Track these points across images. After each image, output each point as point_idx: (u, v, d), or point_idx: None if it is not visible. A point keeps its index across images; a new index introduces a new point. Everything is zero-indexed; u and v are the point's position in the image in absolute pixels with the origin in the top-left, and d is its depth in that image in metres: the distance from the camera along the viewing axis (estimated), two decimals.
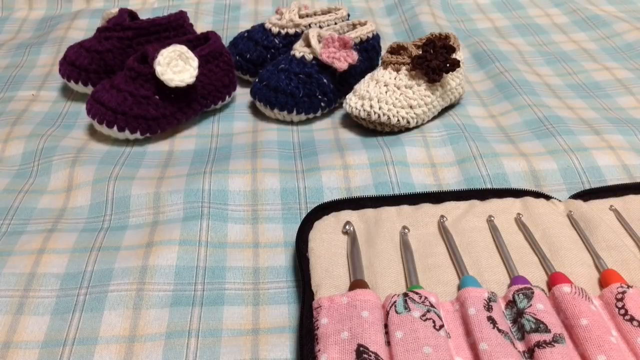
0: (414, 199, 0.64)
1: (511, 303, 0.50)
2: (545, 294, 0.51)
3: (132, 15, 0.92)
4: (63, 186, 0.70)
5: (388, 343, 0.47)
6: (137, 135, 0.77)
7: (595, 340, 0.46)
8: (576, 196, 0.65)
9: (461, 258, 0.57)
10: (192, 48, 0.80)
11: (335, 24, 0.93)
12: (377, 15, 1.20)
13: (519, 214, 0.62)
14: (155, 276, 0.57)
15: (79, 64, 0.85)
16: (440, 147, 0.76)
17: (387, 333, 0.48)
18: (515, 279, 0.53)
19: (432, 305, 0.49)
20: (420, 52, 0.80)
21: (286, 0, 1.23)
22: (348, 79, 0.84)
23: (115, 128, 0.76)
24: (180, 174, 0.71)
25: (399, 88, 0.78)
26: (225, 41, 1.04)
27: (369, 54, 0.88)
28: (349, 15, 0.97)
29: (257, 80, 0.83)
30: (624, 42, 1.05)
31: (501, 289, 0.54)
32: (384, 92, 0.78)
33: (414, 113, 0.78)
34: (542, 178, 0.70)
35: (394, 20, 1.18)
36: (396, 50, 0.83)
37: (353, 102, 0.79)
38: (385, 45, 0.91)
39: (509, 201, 0.64)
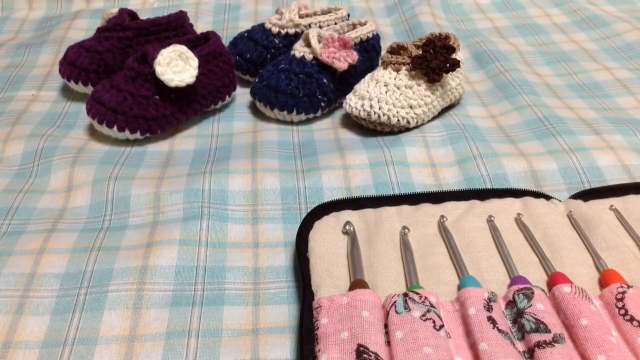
0: (414, 199, 0.64)
1: (511, 303, 0.50)
2: (546, 294, 0.51)
3: (132, 15, 0.92)
4: (63, 186, 0.70)
5: (388, 343, 0.47)
6: (137, 135, 0.77)
7: (595, 340, 0.46)
8: (576, 196, 0.65)
9: (461, 258, 0.57)
10: (192, 48, 0.80)
11: (335, 24, 0.93)
12: (377, 15, 1.20)
13: (519, 214, 0.62)
14: (155, 276, 0.57)
15: (79, 64, 0.85)
16: (440, 147, 0.76)
17: (387, 333, 0.48)
18: (515, 279, 0.53)
19: (432, 305, 0.49)
20: (420, 52, 0.80)
21: (286, 0, 1.23)
22: (348, 79, 0.84)
23: (115, 128, 0.76)
24: (180, 174, 0.71)
25: (399, 88, 0.78)
26: (225, 41, 1.04)
27: (369, 54, 0.88)
28: (349, 15, 0.97)
29: (257, 80, 0.83)
30: (624, 42, 1.05)
31: (501, 289, 0.54)
32: (384, 92, 0.78)
33: (414, 113, 0.78)
34: (542, 178, 0.70)
35: (394, 20, 1.18)
36: (396, 50, 0.83)
37: (353, 102, 0.79)
38: (385, 45, 0.91)
39: (509, 201, 0.64)
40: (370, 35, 0.87)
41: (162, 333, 0.52)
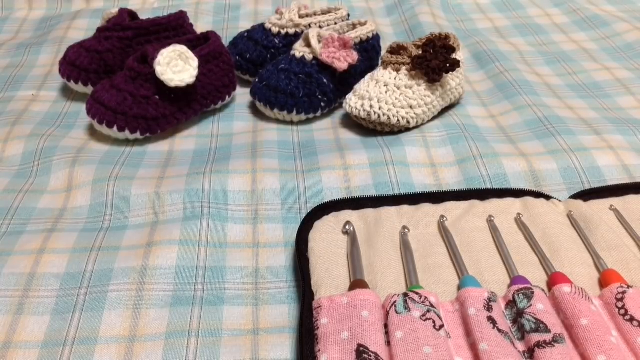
0: (414, 199, 0.64)
1: (511, 303, 0.50)
2: (546, 294, 0.51)
3: (132, 15, 0.92)
4: (63, 186, 0.70)
5: (388, 343, 0.47)
6: (137, 135, 0.77)
7: (595, 340, 0.46)
8: (576, 196, 0.65)
9: (461, 258, 0.57)
10: (192, 48, 0.80)
11: (335, 24, 0.93)
12: (377, 15, 1.20)
13: (519, 214, 0.62)
14: (155, 276, 0.57)
15: (79, 64, 0.85)
16: (440, 147, 0.76)
17: (387, 333, 0.48)
18: (515, 279, 0.53)
19: (432, 305, 0.49)
20: (420, 52, 0.80)
21: (286, 0, 1.23)
22: (348, 79, 0.84)
23: (115, 128, 0.76)
24: (180, 174, 0.71)
25: (399, 88, 0.78)
26: (225, 41, 1.04)
27: (369, 54, 0.88)
28: (349, 15, 0.97)
29: (257, 80, 0.83)
30: (624, 42, 1.05)
31: (501, 289, 0.54)
32: (384, 92, 0.78)
33: (414, 113, 0.78)
34: (542, 178, 0.70)
35: (394, 20, 1.18)
36: (396, 50, 0.83)
37: (353, 102, 0.79)
38: (385, 45, 0.91)
39: (509, 201, 0.64)
40: (370, 35, 0.87)
41: (162, 333, 0.52)
